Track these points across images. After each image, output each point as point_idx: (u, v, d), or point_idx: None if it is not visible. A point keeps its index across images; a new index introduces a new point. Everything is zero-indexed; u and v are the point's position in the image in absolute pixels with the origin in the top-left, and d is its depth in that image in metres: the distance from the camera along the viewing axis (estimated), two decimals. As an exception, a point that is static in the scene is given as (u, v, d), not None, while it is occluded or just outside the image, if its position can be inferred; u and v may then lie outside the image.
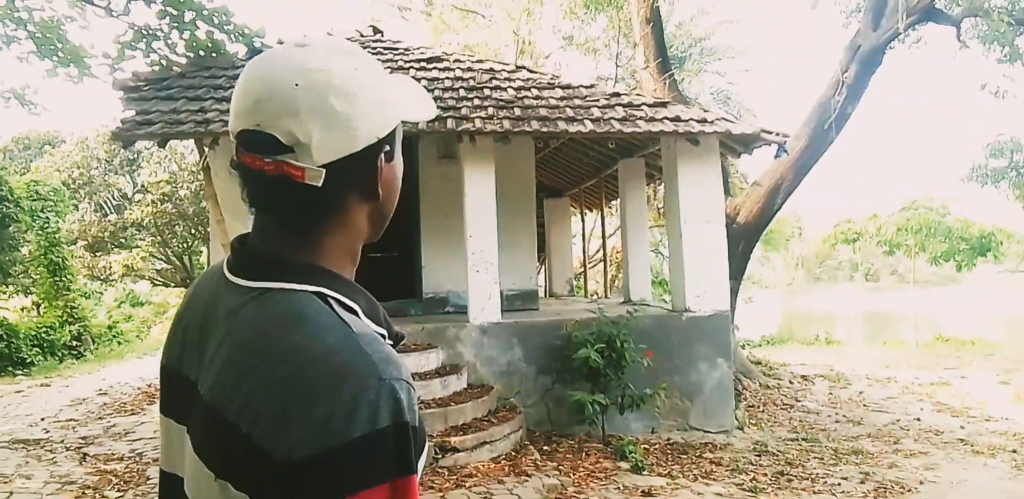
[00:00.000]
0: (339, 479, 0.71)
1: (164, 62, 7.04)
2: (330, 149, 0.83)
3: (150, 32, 6.88)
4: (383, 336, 0.85)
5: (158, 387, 1.01)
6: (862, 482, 5.74)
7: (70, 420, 7.70)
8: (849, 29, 11.56)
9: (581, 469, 5.78)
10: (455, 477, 5.21)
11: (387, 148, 0.89)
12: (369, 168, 0.87)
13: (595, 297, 12.51)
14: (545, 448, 6.25)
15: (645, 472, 5.75)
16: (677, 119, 7.05)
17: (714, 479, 5.72)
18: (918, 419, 8.16)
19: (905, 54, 12.19)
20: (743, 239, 10.09)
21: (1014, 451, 6.70)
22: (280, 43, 8.58)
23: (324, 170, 0.83)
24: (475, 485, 5.07)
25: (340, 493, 0.71)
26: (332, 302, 0.83)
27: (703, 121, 7.09)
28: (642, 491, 5.31)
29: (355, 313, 0.84)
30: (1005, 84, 11.81)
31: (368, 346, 0.78)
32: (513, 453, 5.88)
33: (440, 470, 5.30)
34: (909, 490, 5.57)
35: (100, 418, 7.81)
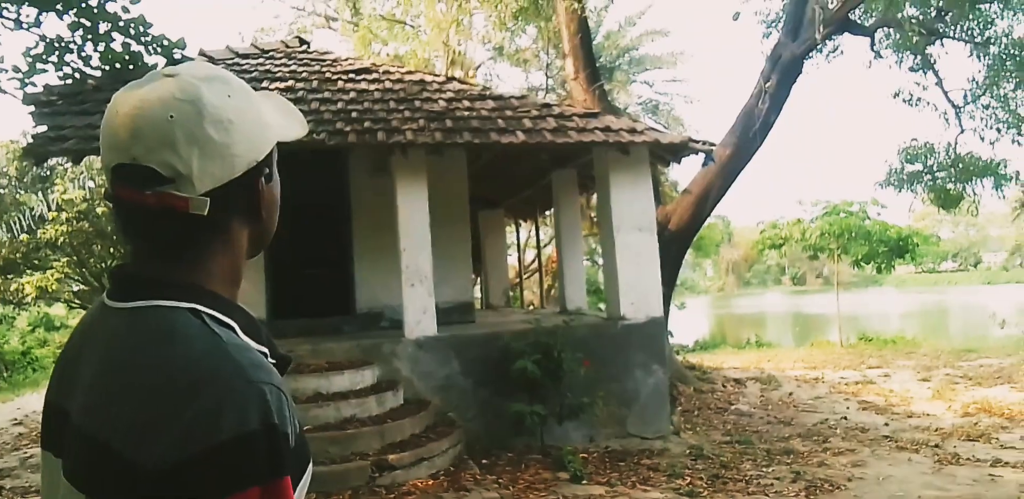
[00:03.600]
0: (206, 483, 0.72)
1: (78, 75, 6.77)
2: (210, 178, 0.85)
3: (62, 44, 6.61)
4: (264, 355, 0.86)
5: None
6: (793, 481, 5.87)
7: (-17, 451, 7.29)
8: (770, 40, 11.95)
9: (521, 481, 5.75)
10: (392, 495, 5.12)
11: (266, 170, 0.91)
12: (250, 191, 0.90)
13: (531, 307, 12.56)
14: (484, 462, 6.21)
15: (584, 481, 5.76)
16: (608, 129, 7.14)
17: (652, 485, 5.77)
18: (845, 418, 8.41)
19: (823, 63, 12.60)
20: (675, 246, 10.28)
21: (936, 446, 6.97)
22: (201, 54, 8.39)
23: (208, 199, 0.84)
24: (414, 503, 4.99)
25: (208, 497, 0.72)
26: (206, 318, 0.83)
27: (633, 131, 7.19)
28: (582, 501, 5.32)
29: (232, 329, 0.85)
30: (917, 91, 12.32)
31: (237, 353, 0.80)
32: (452, 468, 5.81)
33: (377, 488, 5.20)
34: (838, 487, 5.72)
35: (16, 449, 7.42)
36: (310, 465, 0.86)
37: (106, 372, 0.82)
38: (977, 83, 12.02)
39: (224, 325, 0.84)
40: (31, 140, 6.21)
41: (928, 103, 12.34)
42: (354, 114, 6.97)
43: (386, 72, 8.55)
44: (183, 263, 0.88)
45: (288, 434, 0.77)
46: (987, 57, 11.58)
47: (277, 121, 0.93)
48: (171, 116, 0.83)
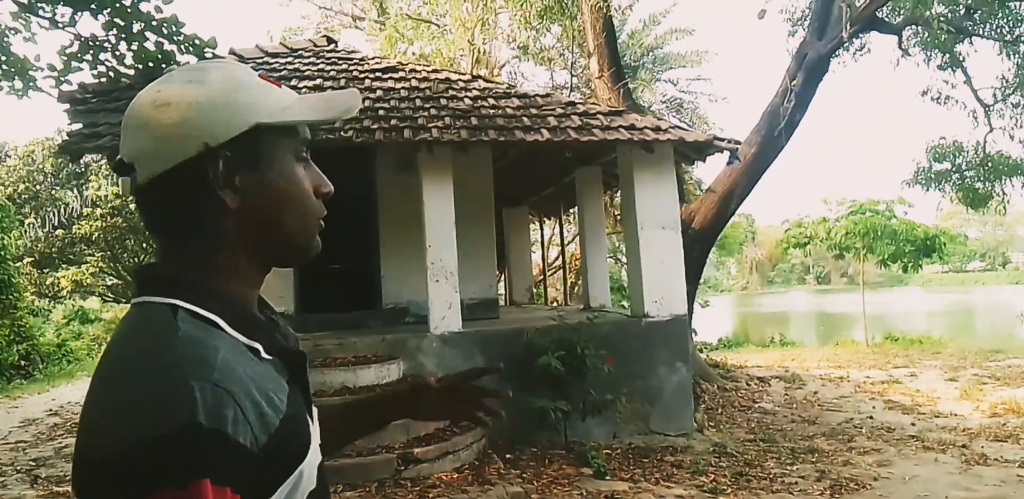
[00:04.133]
0: (127, 481, 0.70)
1: (112, 74, 6.90)
2: (150, 159, 0.85)
3: (97, 43, 6.74)
4: (255, 350, 0.84)
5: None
6: (818, 480, 5.87)
7: (20, 442, 7.47)
8: (795, 38, 11.88)
9: (544, 476, 5.80)
10: (418, 488, 5.19)
11: (227, 154, 0.85)
12: (208, 177, 0.85)
13: (555, 304, 12.58)
14: (508, 456, 6.26)
15: (608, 477, 5.80)
16: (632, 127, 7.15)
17: (675, 482, 5.79)
18: (871, 417, 8.36)
19: (850, 62, 12.49)
20: (698, 244, 10.25)
21: (963, 446, 6.91)
22: (232, 53, 8.52)
23: (154, 181, 0.85)
24: (438, 496, 5.06)
25: (126, 496, 0.70)
26: (182, 313, 0.81)
27: (657, 129, 7.20)
28: (605, 496, 5.36)
29: (214, 324, 0.82)
30: (946, 90, 12.19)
31: (184, 348, 0.76)
32: (476, 462, 5.87)
33: (403, 481, 5.27)
34: (863, 486, 5.71)
35: (51, 439, 7.59)
36: (303, 463, 0.83)
37: (95, 373, 0.82)
38: (1007, 81, 11.86)
39: (207, 321, 0.82)
40: (66, 137, 6.35)
41: (957, 101, 12.23)
42: (381, 112, 7.05)
43: (412, 71, 8.63)
44: (172, 256, 0.88)
45: (226, 434, 0.72)
46: (1017, 55, 11.42)
47: (264, 104, 0.88)
48: (133, 106, 0.87)
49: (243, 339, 0.84)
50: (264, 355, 0.85)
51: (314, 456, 0.87)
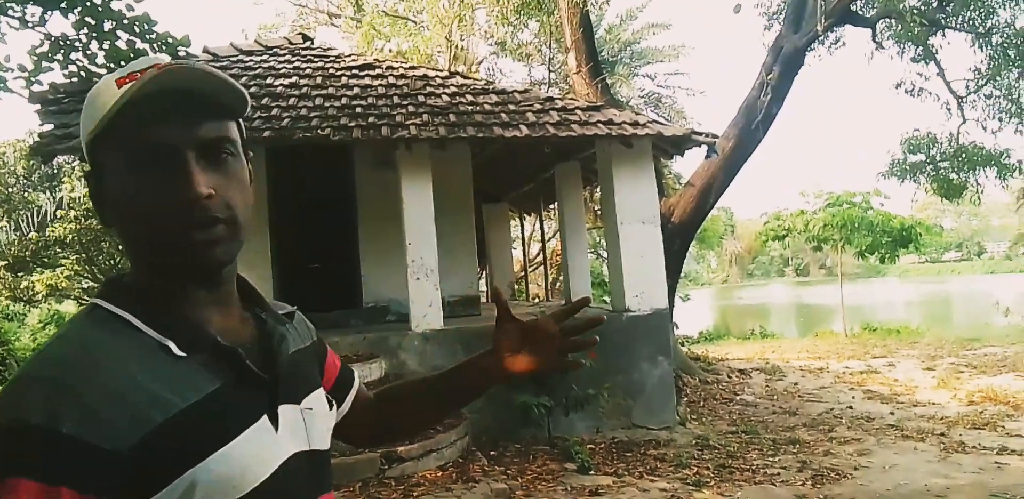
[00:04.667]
0: None
1: (84, 73, 6.79)
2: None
3: (68, 43, 6.63)
4: (167, 349, 0.82)
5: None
6: (800, 470, 5.92)
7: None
8: (771, 31, 11.94)
9: (528, 472, 5.81)
10: (403, 487, 5.18)
11: (87, 170, 0.91)
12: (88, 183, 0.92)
13: (537, 300, 12.59)
14: (492, 453, 6.26)
15: (592, 472, 5.81)
16: (610, 122, 7.16)
17: (659, 475, 5.82)
18: (850, 407, 8.45)
19: (825, 55, 12.58)
20: (678, 238, 10.30)
21: (942, 435, 7.01)
22: (206, 52, 8.42)
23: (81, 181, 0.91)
24: (423, 494, 5.04)
25: None
26: (100, 312, 0.85)
27: (635, 124, 7.22)
28: (589, 491, 5.37)
29: (124, 320, 0.84)
30: (920, 82, 12.31)
31: (54, 346, 0.82)
32: (460, 460, 5.86)
33: (387, 480, 5.26)
34: (844, 476, 5.77)
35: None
36: (197, 467, 0.77)
37: None
38: (979, 73, 12.01)
39: (120, 319, 0.84)
40: (38, 139, 6.25)
41: (930, 93, 12.34)
42: (358, 110, 7.01)
43: (389, 68, 8.58)
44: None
45: (62, 432, 0.70)
46: (989, 47, 11.56)
47: (94, 114, 0.86)
48: None
49: (156, 336, 0.83)
50: (177, 352, 0.82)
51: (241, 461, 0.81)
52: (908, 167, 13.05)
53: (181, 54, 7.01)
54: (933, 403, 8.57)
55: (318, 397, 1.00)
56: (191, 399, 0.79)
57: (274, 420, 0.87)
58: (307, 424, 0.94)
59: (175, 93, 0.83)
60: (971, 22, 11.45)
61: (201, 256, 0.85)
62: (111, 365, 0.77)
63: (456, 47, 15.08)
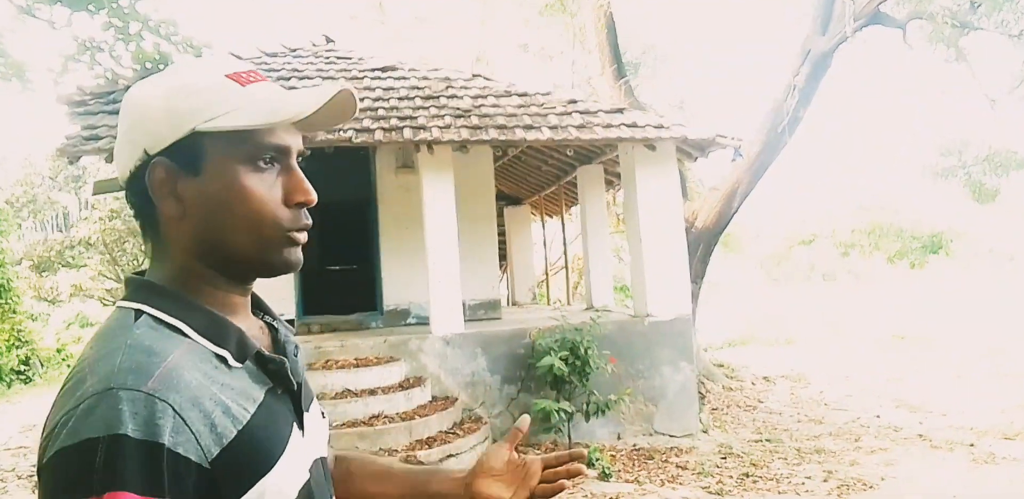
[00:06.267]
0: (48, 490, 0.71)
1: (110, 75, 6.86)
2: (120, 167, 0.87)
3: (94, 44, 6.70)
4: (224, 359, 0.81)
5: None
6: (825, 480, 5.80)
7: (21, 447, 7.44)
8: (799, 34, 11.78)
9: (548, 478, 5.73)
10: (421, 491, 5.13)
11: (167, 162, 0.83)
12: (148, 185, 0.84)
13: (558, 304, 12.51)
14: (512, 458, 6.20)
15: (612, 479, 5.73)
16: (634, 125, 7.09)
17: (680, 483, 5.73)
18: (877, 416, 8.28)
19: (854, 57, 12.41)
20: (702, 243, 10.18)
21: (971, 445, 6.84)
22: (231, 54, 8.47)
23: (125, 186, 0.87)
24: (441, 499, 5.00)
25: None
26: (147, 318, 0.81)
27: (659, 127, 7.14)
28: (610, 498, 5.29)
29: (179, 331, 0.81)
30: (952, 85, 12.13)
31: (124, 355, 0.75)
32: (479, 465, 5.81)
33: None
34: (871, 486, 5.64)
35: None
36: (267, 477, 0.78)
37: None
38: (1013, 75, 11.76)
39: (171, 327, 0.80)
40: (65, 140, 6.31)
41: (963, 96, 12.12)
42: (380, 111, 7.00)
43: (412, 69, 8.57)
44: (153, 262, 0.88)
45: (160, 445, 0.70)
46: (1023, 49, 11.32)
47: (212, 108, 0.82)
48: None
49: (210, 346, 0.82)
50: (233, 363, 0.82)
51: (289, 469, 0.82)
52: (940, 171, 12.82)
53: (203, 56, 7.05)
54: (962, 413, 8.37)
55: (318, 405, 1.01)
56: (251, 410, 0.80)
57: (301, 427, 0.89)
58: (319, 431, 0.96)
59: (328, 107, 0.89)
60: (1004, 24, 11.22)
61: (292, 257, 0.88)
62: (188, 376, 0.76)
63: (479, 49, 15.08)
